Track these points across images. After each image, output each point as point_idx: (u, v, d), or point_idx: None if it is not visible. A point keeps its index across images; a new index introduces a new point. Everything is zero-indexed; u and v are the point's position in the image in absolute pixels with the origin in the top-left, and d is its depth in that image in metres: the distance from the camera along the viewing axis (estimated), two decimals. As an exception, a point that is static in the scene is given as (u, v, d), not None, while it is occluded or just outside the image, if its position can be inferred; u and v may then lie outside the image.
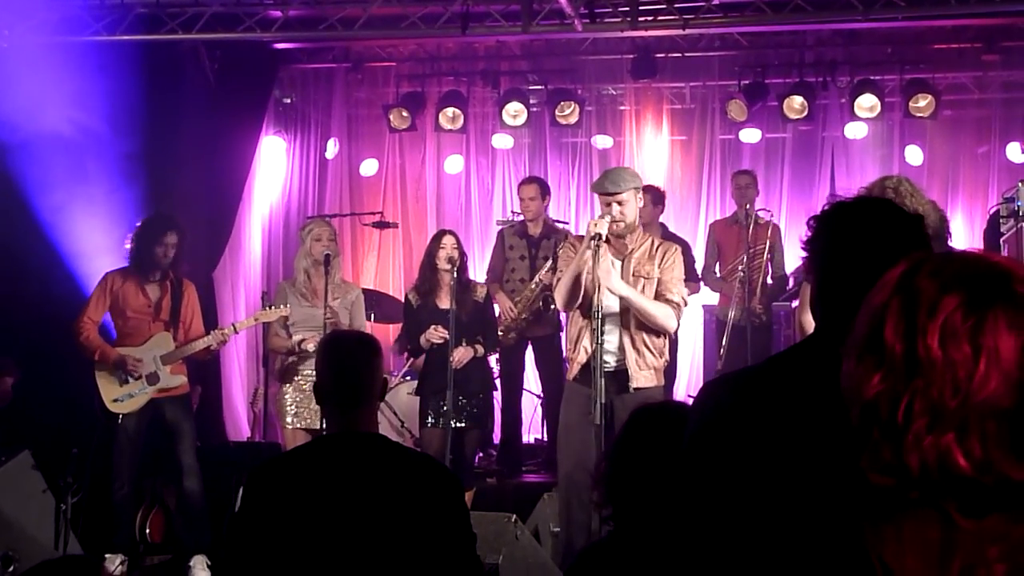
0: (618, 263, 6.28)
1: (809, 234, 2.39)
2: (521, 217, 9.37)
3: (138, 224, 7.62)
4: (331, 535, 3.37)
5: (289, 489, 3.46)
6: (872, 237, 2.27)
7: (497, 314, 8.80)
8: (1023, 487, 1.41)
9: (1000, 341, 1.41)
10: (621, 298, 6.18)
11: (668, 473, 2.68)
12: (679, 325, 6.63)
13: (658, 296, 6.27)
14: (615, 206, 6.18)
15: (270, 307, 7.63)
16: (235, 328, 7.74)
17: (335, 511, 3.39)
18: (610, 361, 6.21)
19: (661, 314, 6.22)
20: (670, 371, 9.06)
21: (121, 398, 7.37)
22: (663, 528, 2.87)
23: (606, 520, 3.17)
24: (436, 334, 7.42)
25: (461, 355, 7.40)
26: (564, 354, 8.88)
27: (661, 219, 9.64)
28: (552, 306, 8.20)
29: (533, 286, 8.82)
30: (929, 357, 1.41)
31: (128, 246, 7.53)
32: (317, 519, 3.38)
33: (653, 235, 8.57)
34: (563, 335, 8.74)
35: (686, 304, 6.63)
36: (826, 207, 2.40)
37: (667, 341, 6.45)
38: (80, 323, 7.42)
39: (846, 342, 1.57)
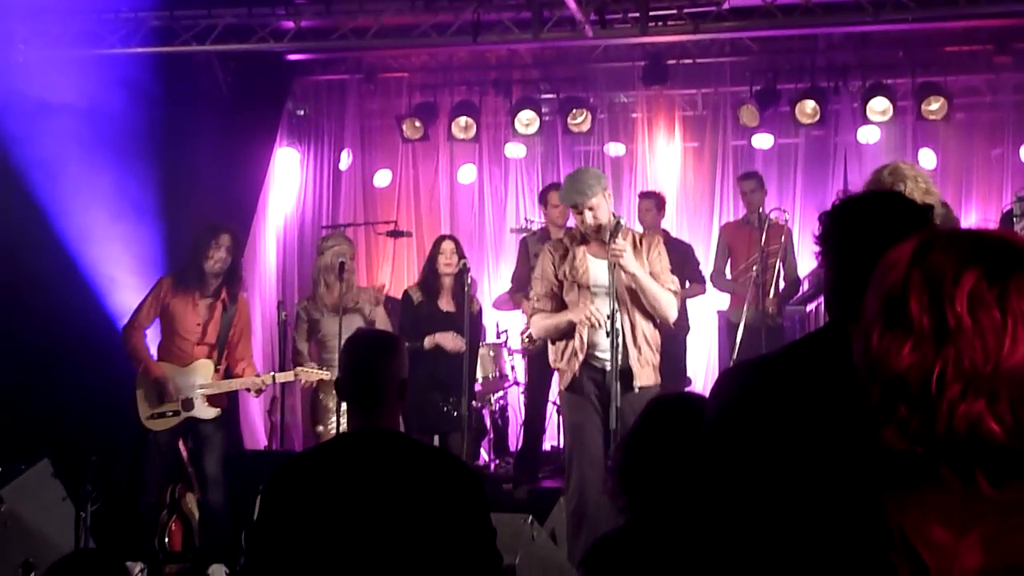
0: (603, 263, 6.26)
1: (821, 230, 2.43)
2: (535, 224, 9.37)
3: (197, 232, 7.59)
4: (351, 530, 3.40)
5: (309, 486, 3.49)
6: (883, 228, 2.31)
7: (525, 324, 8.84)
8: None
9: None
10: (633, 279, 6.15)
11: (685, 463, 2.70)
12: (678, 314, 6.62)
13: None
14: (587, 212, 6.18)
15: (319, 368, 7.70)
16: (274, 378, 7.72)
17: (355, 507, 3.41)
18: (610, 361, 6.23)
19: (666, 300, 6.25)
20: (682, 374, 9.10)
21: (154, 415, 7.41)
22: (680, 517, 2.88)
23: (622, 510, 3.18)
24: (454, 343, 7.46)
25: (452, 343, 7.47)
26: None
27: (674, 223, 9.65)
28: None
29: None
30: (960, 325, 1.44)
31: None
32: (337, 514, 3.41)
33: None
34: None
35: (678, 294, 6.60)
36: (836, 203, 2.44)
37: (659, 335, 6.45)
38: (129, 329, 7.45)
39: (858, 324, 1.59)
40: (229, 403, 8.90)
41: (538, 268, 6.59)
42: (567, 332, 6.31)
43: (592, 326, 6.17)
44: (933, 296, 1.47)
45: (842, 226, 2.40)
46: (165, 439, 7.42)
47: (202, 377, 7.43)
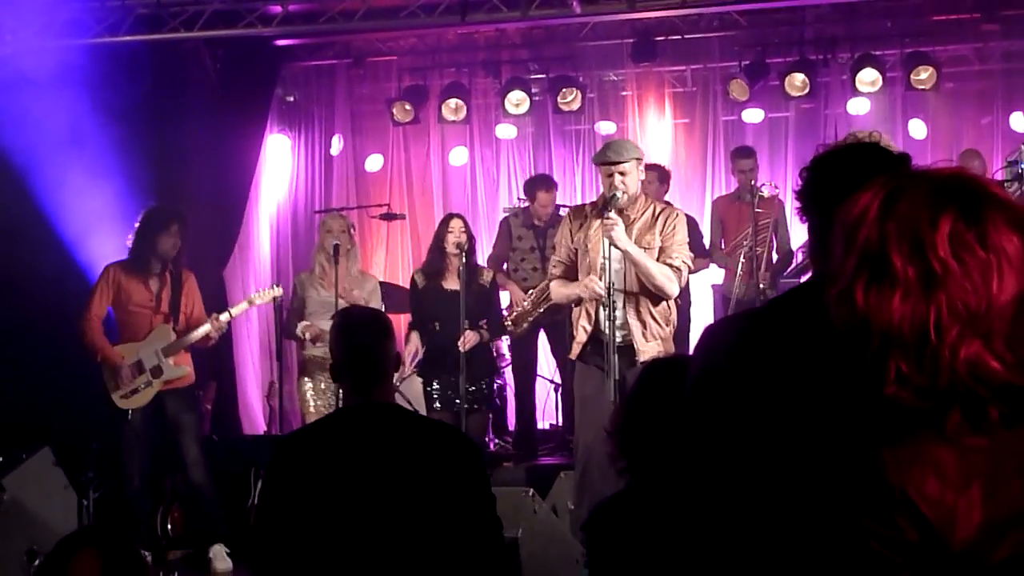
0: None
1: (802, 184, 2.44)
2: (527, 203, 9.36)
3: (140, 217, 7.67)
4: (356, 500, 3.42)
5: (313, 459, 3.52)
6: (863, 178, 2.31)
7: (507, 304, 8.79)
8: None
9: (1005, 241, 1.44)
10: (624, 254, 6.19)
11: (681, 424, 2.71)
12: (681, 290, 6.61)
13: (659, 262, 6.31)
14: (617, 176, 6.22)
15: (260, 290, 7.98)
16: (230, 314, 7.81)
17: (357, 478, 3.44)
18: (617, 336, 6.24)
19: (660, 275, 6.25)
20: (686, 348, 9.07)
21: (127, 394, 7.44)
22: (678, 479, 2.90)
23: (621, 472, 3.21)
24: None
25: (470, 339, 7.40)
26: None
27: (667, 198, 9.63)
28: None
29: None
30: (947, 269, 1.43)
31: (130, 240, 7.59)
32: (341, 486, 3.44)
33: None
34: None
35: (690, 269, 6.64)
36: (816, 156, 2.45)
37: (672, 307, 6.48)
38: (84, 321, 7.50)
39: (831, 290, 1.56)
40: (222, 385, 8.95)
41: (558, 234, 6.73)
42: (579, 302, 6.43)
43: (596, 300, 6.22)
44: (914, 245, 1.45)
45: (823, 178, 2.40)
46: (138, 422, 7.46)
47: (162, 340, 7.51)
